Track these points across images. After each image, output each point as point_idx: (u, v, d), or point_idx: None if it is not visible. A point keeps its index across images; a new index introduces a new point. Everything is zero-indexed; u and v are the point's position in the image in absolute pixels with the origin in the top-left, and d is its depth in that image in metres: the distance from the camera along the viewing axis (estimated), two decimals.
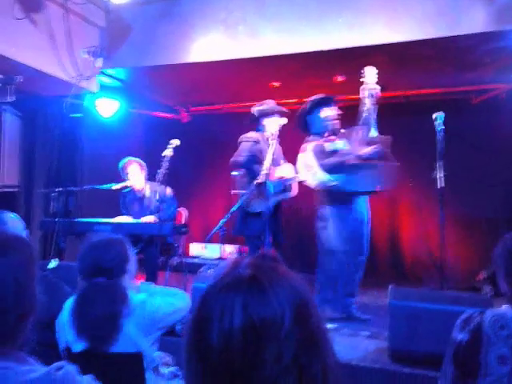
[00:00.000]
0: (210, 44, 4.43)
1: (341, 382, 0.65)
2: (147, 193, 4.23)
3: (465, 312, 1.46)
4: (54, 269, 3.00)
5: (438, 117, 3.32)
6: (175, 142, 3.84)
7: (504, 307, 1.43)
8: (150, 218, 4.03)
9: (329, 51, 4.11)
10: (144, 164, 4.30)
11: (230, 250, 5.94)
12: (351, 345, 2.84)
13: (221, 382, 0.60)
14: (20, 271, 0.93)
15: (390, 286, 2.66)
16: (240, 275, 0.65)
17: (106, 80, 5.03)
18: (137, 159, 4.31)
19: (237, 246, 5.88)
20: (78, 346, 1.68)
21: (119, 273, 1.79)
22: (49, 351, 1.64)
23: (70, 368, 0.90)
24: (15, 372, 0.87)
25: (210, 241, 4.81)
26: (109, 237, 1.87)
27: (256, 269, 0.66)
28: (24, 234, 1.99)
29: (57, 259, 3.24)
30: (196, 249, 6.20)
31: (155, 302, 1.81)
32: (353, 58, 4.33)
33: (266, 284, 0.63)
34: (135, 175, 4.22)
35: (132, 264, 1.86)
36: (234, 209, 3.61)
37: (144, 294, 1.85)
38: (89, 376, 0.93)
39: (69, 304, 1.77)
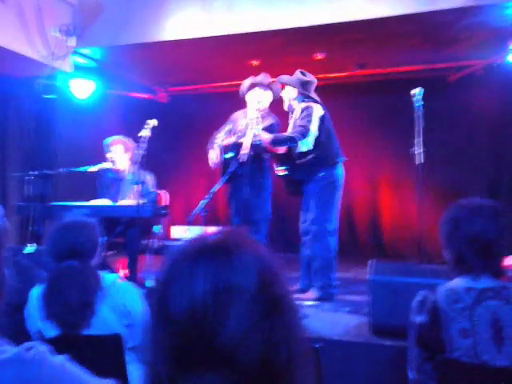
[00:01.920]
0: (186, 21, 4.33)
1: (307, 353, 0.65)
2: (129, 176, 4.15)
3: (418, 294, 1.48)
4: (30, 254, 2.94)
5: (417, 93, 3.33)
6: (152, 123, 3.75)
7: (454, 280, 1.44)
8: (128, 201, 3.97)
9: (307, 28, 4.06)
10: (131, 145, 4.19)
11: (212, 231, 5.92)
12: (333, 320, 2.88)
13: (184, 346, 0.59)
14: None
15: (369, 261, 2.69)
16: (206, 243, 0.66)
17: (81, 60, 4.89)
18: (123, 139, 4.20)
19: (219, 227, 5.85)
20: (52, 332, 1.65)
21: (91, 256, 1.77)
22: (20, 336, 1.61)
23: (42, 348, 0.87)
24: None
25: (192, 223, 4.78)
26: (81, 219, 1.83)
27: (222, 237, 0.67)
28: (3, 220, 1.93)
29: (34, 244, 3.18)
30: (178, 232, 6.17)
31: (126, 284, 1.80)
32: (332, 35, 4.29)
33: (231, 250, 0.64)
34: (118, 155, 4.14)
35: (100, 247, 1.84)
36: (214, 189, 3.58)
37: (114, 275, 1.83)
38: (62, 356, 0.90)
39: (36, 291, 1.73)
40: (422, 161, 3.32)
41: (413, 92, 3.33)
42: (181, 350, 0.59)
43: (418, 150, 3.31)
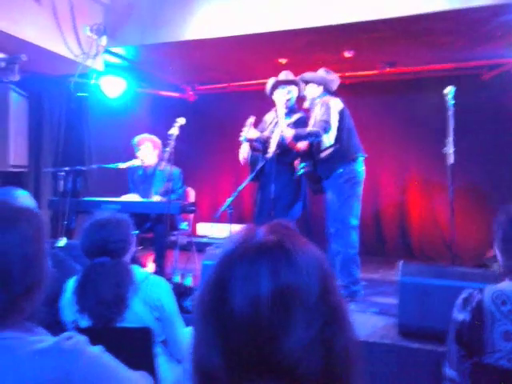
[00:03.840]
0: (214, 20, 4.36)
1: (361, 361, 0.63)
2: (158, 172, 4.23)
3: (463, 291, 1.45)
4: (62, 247, 3.01)
5: (450, 91, 3.26)
6: (181, 121, 3.80)
7: (504, 282, 1.41)
8: (157, 198, 4.03)
9: (336, 26, 4.03)
10: (158, 142, 4.28)
11: (238, 229, 5.94)
12: (360, 321, 2.84)
13: (244, 351, 0.57)
14: (28, 242, 0.92)
15: (399, 263, 2.65)
16: (263, 241, 0.62)
17: (112, 59, 4.98)
18: (151, 136, 4.30)
19: (244, 225, 5.87)
20: (85, 324, 1.69)
21: (123, 253, 1.78)
22: (56, 326, 1.65)
23: (80, 338, 0.90)
24: (24, 342, 0.87)
25: (218, 220, 4.81)
26: (114, 216, 1.83)
27: (279, 235, 0.63)
28: None
29: (65, 238, 3.25)
30: (204, 228, 6.23)
31: (158, 278, 1.81)
32: (361, 33, 4.24)
33: (292, 251, 0.61)
34: (146, 152, 4.22)
35: (133, 244, 1.85)
36: (241, 187, 3.59)
37: (146, 270, 1.84)
38: (99, 347, 0.92)
39: (71, 284, 1.76)
40: (453, 161, 3.25)
41: (446, 90, 3.26)
42: (241, 355, 0.57)
43: (450, 150, 3.24)
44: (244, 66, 5.29)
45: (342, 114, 3.51)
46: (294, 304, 0.57)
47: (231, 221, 3.64)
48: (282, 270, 0.58)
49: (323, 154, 3.51)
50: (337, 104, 3.53)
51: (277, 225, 0.66)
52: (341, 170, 3.46)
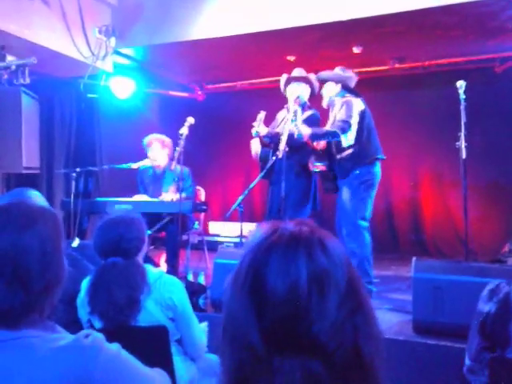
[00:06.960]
0: (222, 18, 4.36)
1: (384, 354, 0.66)
2: (169, 172, 4.24)
3: (490, 282, 1.43)
4: (76, 248, 3.04)
5: (461, 85, 3.21)
6: (190, 120, 3.80)
7: None
8: (169, 196, 4.05)
9: (345, 21, 4.01)
10: (168, 141, 4.29)
11: (249, 227, 5.95)
12: None
13: (280, 328, 0.61)
14: (46, 241, 0.94)
15: (413, 259, 2.63)
16: (298, 230, 0.66)
17: (121, 60, 5.00)
18: (159, 136, 4.31)
19: (256, 223, 5.88)
20: (99, 324, 1.69)
21: (136, 252, 1.76)
22: (73, 326, 1.66)
23: (98, 335, 0.91)
24: (44, 340, 0.88)
25: (229, 219, 4.81)
26: (127, 215, 1.81)
27: (309, 227, 0.68)
28: None
29: (77, 238, 3.28)
30: (215, 227, 6.24)
31: (171, 278, 1.81)
32: (370, 28, 4.22)
33: (324, 240, 0.65)
34: (156, 152, 4.24)
35: (146, 243, 1.84)
36: (251, 185, 3.58)
37: (159, 270, 1.83)
38: (116, 344, 0.93)
39: (85, 284, 1.75)
40: (466, 155, 3.21)
41: (458, 83, 3.22)
42: (277, 332, 0.61)
43: (462, 145, 3.20)
44: (252, 64, 5.28)
45: (362, 115, 3.46)
46: (329, 287, 0.62)
47: (242, 219, 3.65)
48: (318, 256, 0.63)
49: (343, 155, 3.48)
50: (358, 104, 3.48)
51: (302, 220, 0.71)
52: (357, 172, 3.42)
